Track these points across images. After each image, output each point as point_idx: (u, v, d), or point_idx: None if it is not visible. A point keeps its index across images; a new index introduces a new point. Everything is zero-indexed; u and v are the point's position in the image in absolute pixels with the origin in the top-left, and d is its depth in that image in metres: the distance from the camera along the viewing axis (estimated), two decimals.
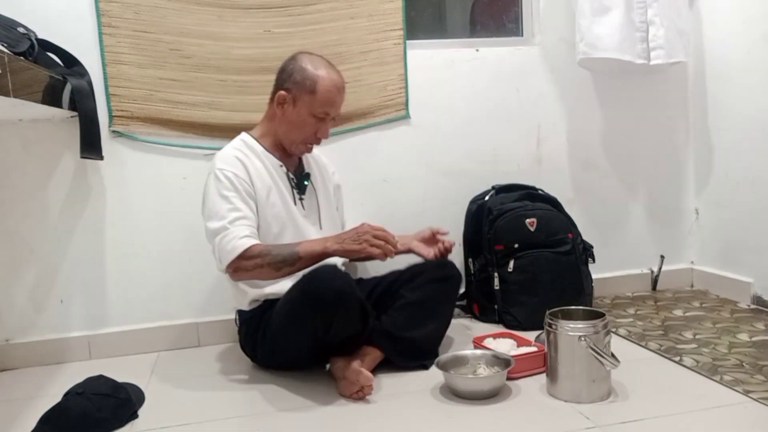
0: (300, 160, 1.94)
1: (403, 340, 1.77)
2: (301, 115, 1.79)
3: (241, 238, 1.68)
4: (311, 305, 1.61)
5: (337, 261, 1.84)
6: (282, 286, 1.75)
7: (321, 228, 1.92)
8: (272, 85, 1.86)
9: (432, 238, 1.94)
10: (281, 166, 1.85)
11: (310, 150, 1.89)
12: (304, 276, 1.67)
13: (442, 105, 2.31)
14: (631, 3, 2.24)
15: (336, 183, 2.06)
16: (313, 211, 1.92)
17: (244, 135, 1.88)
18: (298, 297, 1.65)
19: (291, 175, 1.87)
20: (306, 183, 1.91)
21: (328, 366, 1.77)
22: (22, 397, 1.80)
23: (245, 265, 1.68)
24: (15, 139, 2.02)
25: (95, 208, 2.09)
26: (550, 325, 1.60)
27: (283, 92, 1.80)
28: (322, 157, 2.03)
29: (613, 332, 1.89)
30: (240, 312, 1.89)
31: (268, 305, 1.80)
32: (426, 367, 1.76)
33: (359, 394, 1.62)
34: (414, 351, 1.79)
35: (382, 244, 1.66)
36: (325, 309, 1.61)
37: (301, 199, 1.88)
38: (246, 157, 1.80)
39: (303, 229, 1.85)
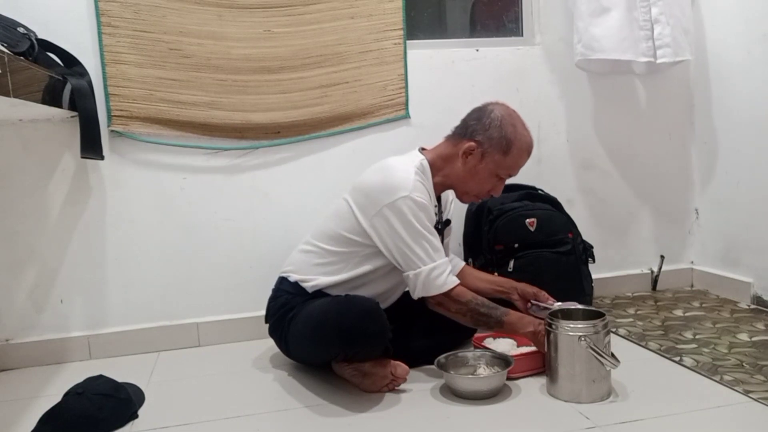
0: (440, 198, 1.88)
1: (413, 349, 1.82)
2: (485, 171, 1.75)
3: (449, 274, 1.70)
4: (342, 338, 1.61)
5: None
6: (341, 290, 1.77)
7: None
8: (456, 125, 1.82)
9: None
10: (435, 206, 1.81)
11: (478, 201, 1.88)
12: (341, 305, 1.65)
13: (442, 105, 2.31)
14: (633, 2, 2.24)
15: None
16: None
17: (423, 160, 1.77)
18: (332, 328, 1.62)
19: (436, 217, 1.82)
20: (444, 230, 1.87)
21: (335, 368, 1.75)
22: (22, 397, 1.80)
23: (449, 305, 1.71)
24: (15, 139, 2.02)
25: (95, 208, 2.09)
26: (550, 325, 1.60)
27: (473, 143, 1.74)
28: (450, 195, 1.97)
29: (613, 332, 1.89)
30: (292, 284, 1.81)
31: (318, 295, 1.77)
32: (431, 362, 1.75)
33: (390, 386, 1.67)
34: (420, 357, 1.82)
35: None
36: (352, 345, 1.63)
37: None
38: (425, 188, 1.73)
39: None
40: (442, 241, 1.90)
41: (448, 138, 1.83)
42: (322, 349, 1.70)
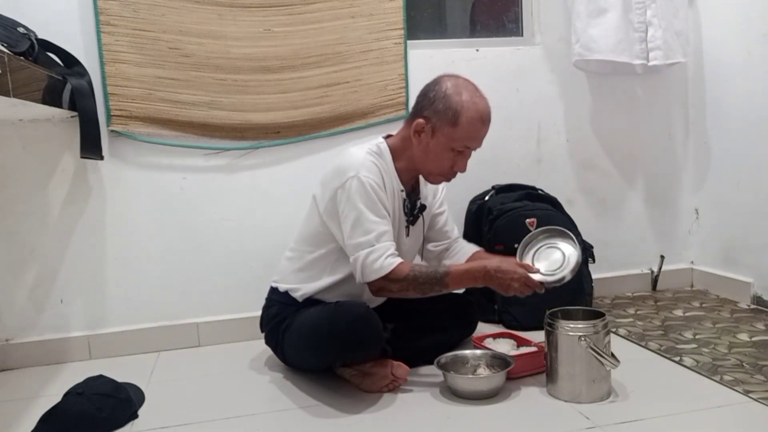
0: (417, 184, 1.83)
1: (413, 349, 1.81)
2: (439, 147, 1.66)
3: (388, 257, 1.61)
4: (336, 346, 1.62)
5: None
6: (331, 295, 1.75)
7: (422, 258, 1.93)
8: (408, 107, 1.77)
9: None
10: (402, 190, 1.75)
11: (448, 180, 1.79)
12: (332, 313, 1.64)
13: None
14: (629, 4, 2.26)
15: (438, 210, 1.92)
16: (416, 241, 1.87)
17: (381, 143, 1.73)
18: (325, 337, 1.62)
19: (407, 203, 1.77)
20: (420, 215, 1.82)
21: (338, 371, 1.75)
22: (22, 397, 1.80)
23: (390, 287, 1.63)
24: (15, 139, 2.02)
25: (95, 208, 2.09)
26: (550, 325, 1.60)
27: (421, 120, 1.66)
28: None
29: (613, 332, 1.89)
30: (282, 293, 1.80)
31: (309, 303, 1.76)
32: (431, 362, 1.74)
33: (390, 386, 1.67)
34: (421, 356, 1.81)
35: (525, 293, 1.63)
36: (348, 351, 1.64)
37: (407, 227, 1.80)
38: (381, 168, 1.69)
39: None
40: (422, 227, 1.87)
41: (406, 120, 1.77)
42: (318, 358, 1.70)
